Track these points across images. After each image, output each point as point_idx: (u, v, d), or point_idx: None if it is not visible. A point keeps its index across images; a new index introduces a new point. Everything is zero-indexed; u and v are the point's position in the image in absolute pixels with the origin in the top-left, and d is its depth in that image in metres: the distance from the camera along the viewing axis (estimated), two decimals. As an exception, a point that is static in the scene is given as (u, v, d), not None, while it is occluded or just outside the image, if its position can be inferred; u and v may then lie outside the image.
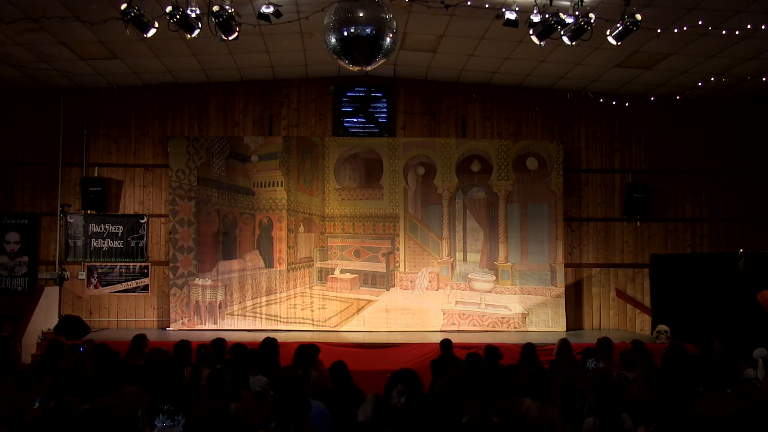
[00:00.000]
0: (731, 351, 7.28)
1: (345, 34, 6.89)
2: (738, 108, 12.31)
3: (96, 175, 11.87)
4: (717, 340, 7.78)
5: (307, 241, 11.93)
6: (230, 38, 7.77)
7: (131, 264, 11.79)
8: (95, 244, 11.74)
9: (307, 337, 9.91)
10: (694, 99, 12.19)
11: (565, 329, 11.55)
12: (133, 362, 6.60)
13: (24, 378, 5.95)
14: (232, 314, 11.58)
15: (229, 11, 7.41)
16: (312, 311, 11.73)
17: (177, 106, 12.06)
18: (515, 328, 11.67)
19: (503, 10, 7.83)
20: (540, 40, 7.93)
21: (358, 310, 11.78)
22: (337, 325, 11.67)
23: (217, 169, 11.78)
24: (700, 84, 11.27)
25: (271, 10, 7.60)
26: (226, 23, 7.52)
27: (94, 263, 11.77)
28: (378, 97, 12.28)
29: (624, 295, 12.12)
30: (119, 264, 11.77)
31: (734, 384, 5.91)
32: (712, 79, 10.96)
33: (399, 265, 11.91)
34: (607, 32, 7.92)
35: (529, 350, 7.20)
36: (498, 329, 11.61)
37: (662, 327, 10.15)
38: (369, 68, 7.45)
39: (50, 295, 11.16)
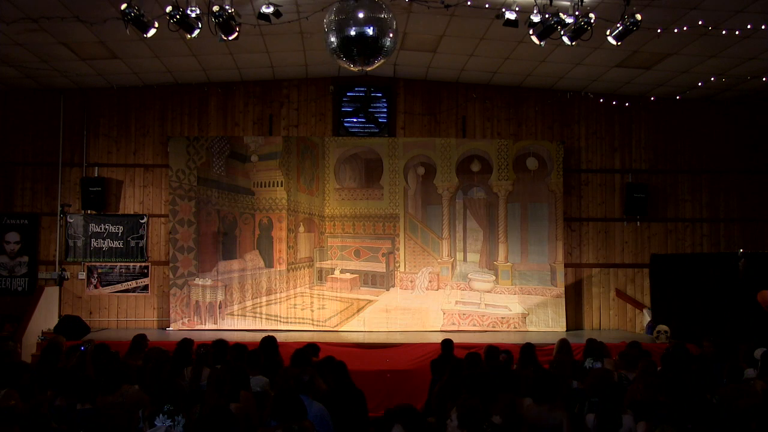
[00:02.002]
0: (722, 350, 7.30)
1: (345, 34, 6.90)
2: (738, 108, 12.32)
3: (96, 175, 11.86)
4: (706, 340, 7.83)
5: (307, 241, 11.93)
6: (230, 38, 7.77)
7: (131, 264, 11.79)
8: (95, 244, 11.74)
9: (306, 337, 9.89)
10: (694, 99, 12.19)
11: (565, 329, 11.55)
12: (133, 362, 6.61)
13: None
14: (232, 314, 11.58)
15: (229, 11, 7.41)
16: (312, 311, 11.73)
17: (177, 106, 12.06)
18: (515, 328, 11.66)
19: (503, 10, 7.83)
20: (540, 40, 7.94)
21: (358, 310, 11.78)
22: (337, 325, 11.66)
23: (217, 169, 11.78)
24: (700, 84, 11.27)
25: (271, 10, 7.60)
26: (226, 23, 7.52)
27: (94, 263, 11.76)
28: (378, 97, 12.28)
29: (624, 295, 12.12)
30: (119, 264, 11.77)
31: (734, 384, 5.92)
32: (712, 79, 10.96)
33: (399, 265, 11.91)
34: (607, 32, 7.92)
35: (528, 350, 7.20)
36: (498, 329, 11.60)
37: (662, 327, 10.15)
38: (369, 68, 7.45)
39: (50, 295, 11.14)
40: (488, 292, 11.85)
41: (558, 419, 4.80)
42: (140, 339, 7.55)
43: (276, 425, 4.47)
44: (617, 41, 7.93)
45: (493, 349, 7.22)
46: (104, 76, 11.32)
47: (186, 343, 7.07)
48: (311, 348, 7.43)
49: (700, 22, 8.66)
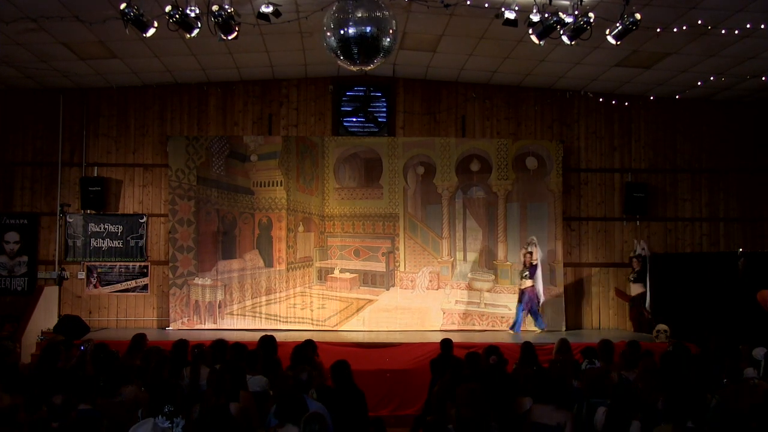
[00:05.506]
0: (721, 349, 7.31)
1: (344, 33, 6.90)
2: (738, 107, 12.32)
3: (95, 174, 11.85)
4: (713, 338, 7.86)
5: (307, 240, 11.93)
6: (230, 38, 7.77)
7: (131, 264, 11.78)
8: (95, 243, 11.73)
9: (306, 337, 9.86)
10: (693, 98, 12.19)
11: (564, 329, 11.55)
12: (133, 362, 6.61)
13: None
14: (231, 314, 11.58)
15: (229, 11, 7.42)
16: (312, 311, 11.73)
17: (176, 105, 12.05)
18: (515, 327, 11.66)
19: (503, 9, 7.84)
20: (539, 39, 7.95)
21: (358, 310, 11.78)
22: (337, 324, 11.66)
23: (217, 169, 11.78)
24: (699, 83, 11.26)
25: (270, 9, 7.61)
26: (225, 23, 7.53)
27: (93, 263, 11.76)
28: (377, 97, 12.27)
29: (623, 295, 12.10)
30: (119, 264, 11.76)
31: (734, 384, 5.93)
32: (712, 78, 10.96)
33: (399, 265, 11.90)
34: (607, 32, 7.93)
35: (528, 349, 7.21)
36: (498, 329, 11.60)
37: (662, 326, 10.15)
38: (368, 68, 7.46)
39: (50, 295, 11.15)
40: (488, 291, 11.85)
41: (562, 419, 4.81)
42: (139, 339, 7.55)
43: (276, 424, 4.48)
44: (617, 41, 7.93)
45: (492, 349, 7.22)
46: (104, 75, 11.31)
47: (181, 343, 7.07)
48: (309, 345, 7.44)
49: (699, 22, 8.66)
